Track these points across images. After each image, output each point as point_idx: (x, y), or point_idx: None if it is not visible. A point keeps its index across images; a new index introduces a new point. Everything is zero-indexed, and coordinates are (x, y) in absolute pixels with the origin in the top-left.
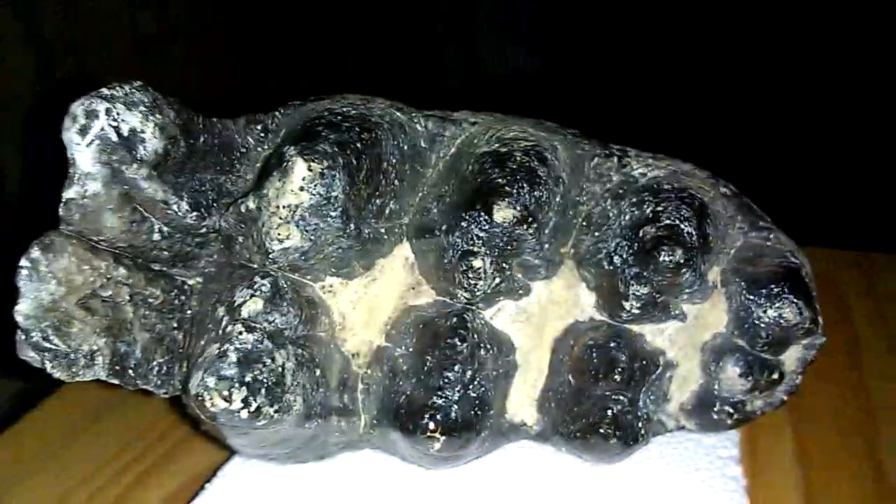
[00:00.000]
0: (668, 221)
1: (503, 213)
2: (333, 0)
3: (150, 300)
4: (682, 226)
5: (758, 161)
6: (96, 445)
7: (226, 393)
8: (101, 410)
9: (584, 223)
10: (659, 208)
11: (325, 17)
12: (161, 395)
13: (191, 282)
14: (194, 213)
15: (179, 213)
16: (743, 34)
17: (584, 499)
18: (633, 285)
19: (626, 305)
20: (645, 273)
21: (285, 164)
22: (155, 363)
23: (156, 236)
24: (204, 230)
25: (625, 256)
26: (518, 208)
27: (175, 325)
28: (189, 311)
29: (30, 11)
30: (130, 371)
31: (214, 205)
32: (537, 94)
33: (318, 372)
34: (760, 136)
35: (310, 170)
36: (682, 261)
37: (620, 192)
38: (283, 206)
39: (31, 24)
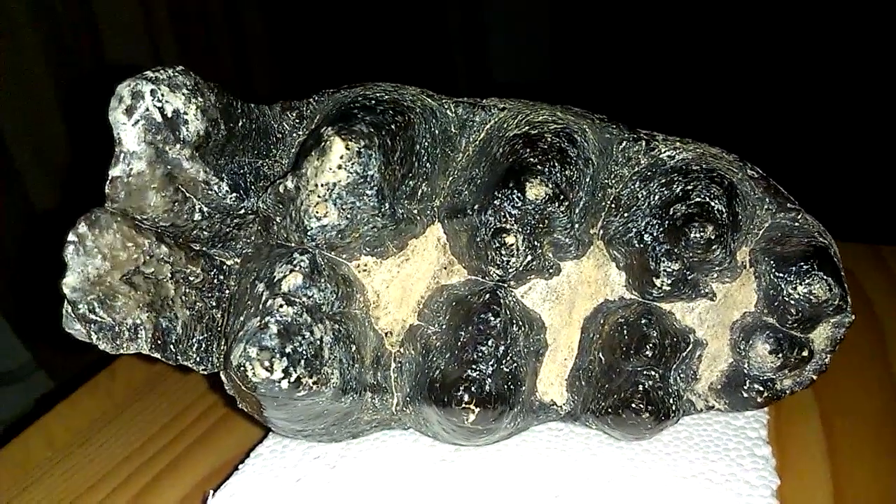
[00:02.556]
0: (698, 199)
1: (535, 191)
2: (345, 10)
3: (191, 278)
4: (713, 203)
5: (770, 159)
6: (139, 424)
7: (267, 363)
8: (144, 390)
9: (614, 205)
10: (689, 187)
11: (335, 28)
12: (200, 371)
13: (229, 262)
14: (234, 195)
15: (220, 194)
16: (749, 36)
17: (612, 479)
18: (663, 262)
19: (657, 282)
20: (675, 250)
21: (324, 143)
22: (195, 339)
23: (197, 216)
24: (243, 211)
25: (655, 234)
26: (550, 186)
27: (214, 303)
28: (227, 291)
29: None
30: (171, 346)
31: (252, 187)
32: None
33: (353, 348)
34: (771, 135)
35: (347, 148)
36: (712, 237)
37: (649, 174)
38: (322, 185)
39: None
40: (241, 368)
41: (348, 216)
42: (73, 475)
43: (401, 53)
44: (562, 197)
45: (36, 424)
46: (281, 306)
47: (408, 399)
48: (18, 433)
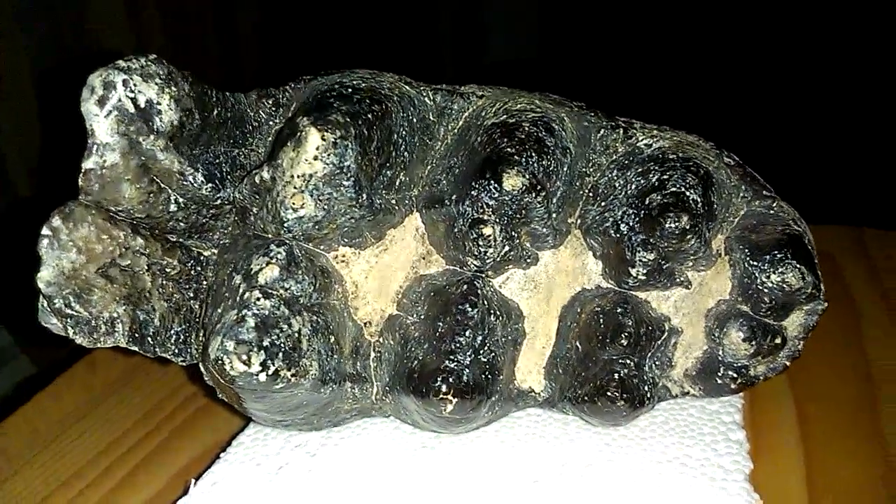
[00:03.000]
0: (673, 189)
1: (512, 181)
2: None
3: (168, 270)
4: (688, 193)
5: (753, 141)
6: (118, 414)
7: (245, 357)
8: (120, 382)
9: (591, 194)
10: (665, 177)
11: (324, 7)
12: (179, 362)
13: (206, 253)
14: (209, 185)
15: (195, 185)
16: (734, 18)
17: (590, 464)
18: (639, 252)
19: (633, 272)
20: (651, 240)
21: (299, 133)
22: (173, 331)
23: (172, 207)
24: (219, 202)
25: (631, 224)
26: (527, 176)
27: (191, 294)
28: (205, 282)
29: None
30: (149, 338)
31: (228, 177)
32: (536, 82)
33: (332, 339)
34: (756, 116)
35: (323, 139)
36: (687, 227)
37: (626, 162)
38: (298, 176)
39: None
40: (219, 362)
41: (325, 207)
42: (53, 466)
43: (389, 33)
44: (539, 187)
45: (15, 415)
46: (258, 299)
47: (387, 388)
48: None
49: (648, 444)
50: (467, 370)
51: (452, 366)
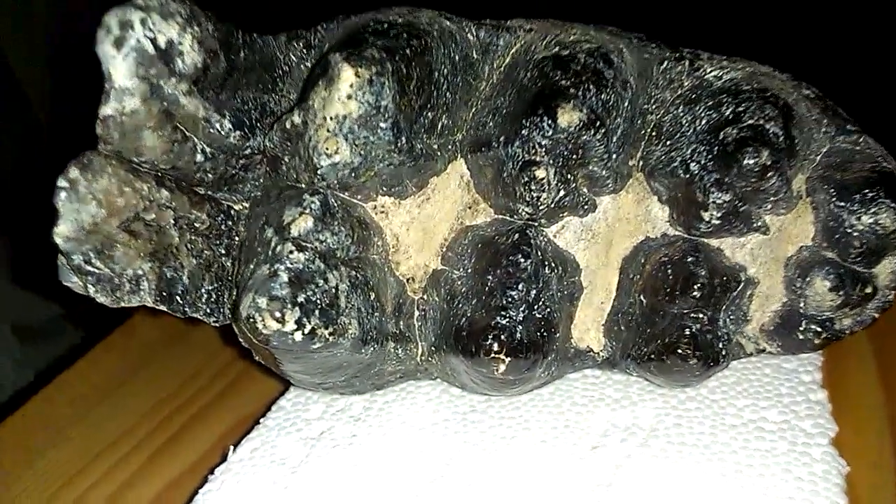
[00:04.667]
0: (751, 121)
1: (568, 117)
2: None
3: (196, 225)
4: (768, 126)
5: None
6: (157, 381)
7: (278, 314)
8: (160, 346)
9: (654, 132)
10: (740, 109)
11: None
12: (211, 323)
13: (237, 207)
14: (237, 133)
15: (222, 133)
16: (736, 16)
17: (654, 430)
18: (713, 193)
19: (705, 216)
20: (726, 179)
21: (331, 71)
22: (203, 290)
23: (199, 157)
24: (248, 151)
25: (703, 162)
26: (585, 111)
27: (223, 251)
28: (237, 237)
29: None
30: (178, 298)
31: (258, 125)
32: (590, 14)
33: (372, 295)
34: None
35: (357, 76)
36: (768, 163)
37: (694, 96)
38: (331, 118)
39: None
40: (251, 320)
41: (361, 152)
42: (93, 435)
43: None
44: (598, 123)
45: (56, 382)
46: (291, 252)
47: (433, 349)
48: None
49: (720, 407)
50: (520, 327)
51: (504, 322)
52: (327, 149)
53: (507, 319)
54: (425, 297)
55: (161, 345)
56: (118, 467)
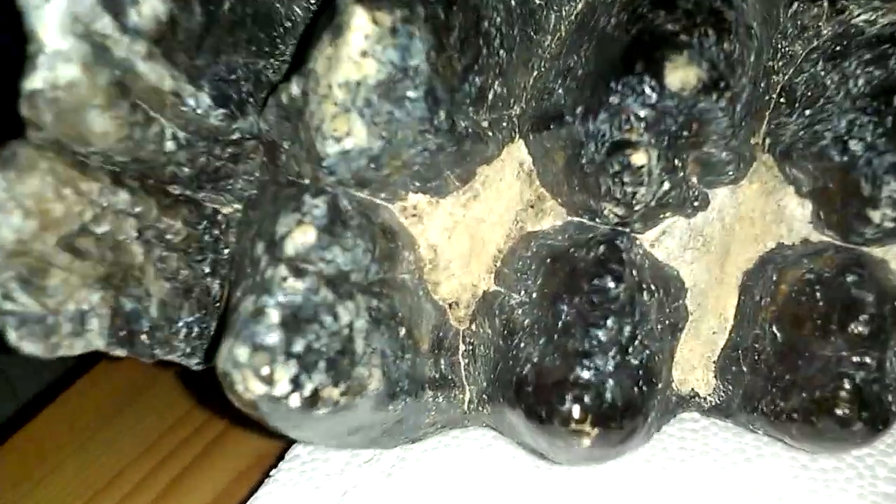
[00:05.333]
0: None
1: (682, 74)
2: None
3: (169, 236)
4: None
5: None
6: (143, 422)
7: (265, 371)
8: (132, 394)
9: (783, 99)
10: None
11: None
12: (193, 366)
13: (226, 210)
14: (220, 111)
15: (199, 111)
16: None
17: (780, 499)
18: (889, 183)
19: (875, 216)
20: None
21: (338, 17)
22: (181, 323)
23: (169, 145)
24: (237, 136)
25: (870, 140)
26: (704, 66)
27: (206, 269)
28: (226, 251)
29: None
30: (143, 336)
31: (250, 100)
32: None
33: (401, 331)
34: None
35: (375, 23)
36: None
37: (839, 49)
38: (339, 85)
39: None
40: (228, 378)
41: (383, 133)
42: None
43: None
44: (723, 84)
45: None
46: (285, 279)
47: (485, 397)
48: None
49: (866, 466)
50: (611, 381)
51: (588, 376)
52: (335, 130)
53: (593, 371)
54: (473, 327)
55: (149, 380)
56: None
